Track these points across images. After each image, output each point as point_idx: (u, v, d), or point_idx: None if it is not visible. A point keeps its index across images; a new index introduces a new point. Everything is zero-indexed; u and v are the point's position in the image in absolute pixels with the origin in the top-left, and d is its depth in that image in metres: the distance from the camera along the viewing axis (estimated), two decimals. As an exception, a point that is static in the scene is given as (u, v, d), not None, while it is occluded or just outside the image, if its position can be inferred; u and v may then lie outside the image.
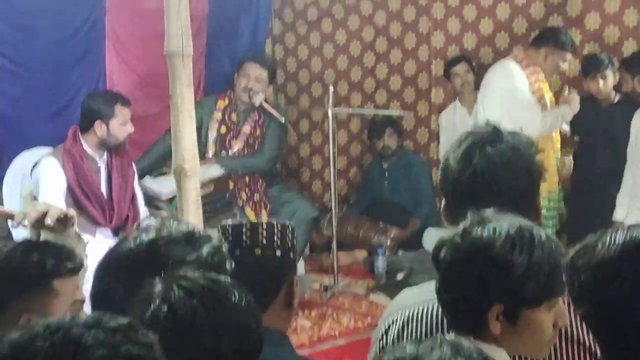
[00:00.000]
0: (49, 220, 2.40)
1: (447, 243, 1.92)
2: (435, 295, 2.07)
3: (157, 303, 1.72)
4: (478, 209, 1.97)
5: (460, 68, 7.09)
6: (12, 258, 2.29)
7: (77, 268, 2.40)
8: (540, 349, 1.94)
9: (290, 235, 2.46)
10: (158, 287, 1.76)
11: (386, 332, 2.32)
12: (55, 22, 6.30)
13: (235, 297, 1.78)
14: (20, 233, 5.39)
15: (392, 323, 2.31)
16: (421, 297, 2.29)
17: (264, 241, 2.40)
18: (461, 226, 1.92)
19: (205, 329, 1.71)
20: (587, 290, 1.73)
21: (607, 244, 1.72)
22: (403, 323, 2.26)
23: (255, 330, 1.81)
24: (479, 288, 1.83)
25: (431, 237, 6.93)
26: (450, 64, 7.21)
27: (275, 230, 2.42)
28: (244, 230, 2.40)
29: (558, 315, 1.90)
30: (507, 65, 6.18)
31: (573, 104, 6.20)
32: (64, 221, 2.60)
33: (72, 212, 2.55)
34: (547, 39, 6.28)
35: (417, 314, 2.24)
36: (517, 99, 6.04)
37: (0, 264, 2.30)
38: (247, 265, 2.31)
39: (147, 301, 1.74)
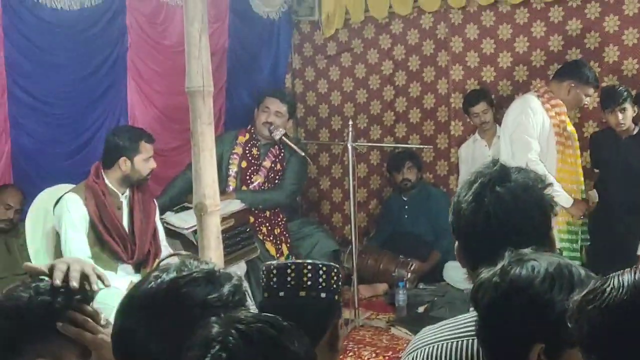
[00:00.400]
0: (74, 283, 2.36)
1: (486, 283, 1.88)
2: (454, 332, 2.08)
3: (216, 349, 1.67)
4: (494, 249, 1.97)
5: (479, 108, 7.10)
6: (23, 302, 2.29)
7: (88, 302, 2.41)
8: None
9: (335, 277, 2.40)
10: (215, 330, 1.72)
11: None
12: (77, 58, 6.35)
13: (295, 345, 1.74)
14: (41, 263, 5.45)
15: None
16: (441, 334, 2.28)
17: (309, 283, 2.34)
18: (499, 265, 1.89)
19: None
20: (600, 337, 1.64)
21: (617, 286, 1.63)
22: None
23: None
24: (519, 327, 1.81)
25: (452, 270, 6.96)
26: (468, 103, 7.22)
27: (320, 272, 2.37)
28: (288, 271, 2.36)
29: None
30: (527, 100, 6.17)
31: (577, 208, 6.20)
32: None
33: (100, 271, 2.48)
34: (571, 72, 6.28)
35: (438, 352, 2.25)
36: (518, 132, 6.09)
37: (10, 308, 2.29)
38: (292, 307, 2.29)
39: (204, 345, 1.69)
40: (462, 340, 2.19)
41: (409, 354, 2.34)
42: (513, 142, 6.12)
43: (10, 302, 2.26)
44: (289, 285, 2.35)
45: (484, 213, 2.19)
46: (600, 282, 1.63)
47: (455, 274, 6.91)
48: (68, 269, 2.31)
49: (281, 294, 2.33)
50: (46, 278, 2.39)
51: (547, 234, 2.23)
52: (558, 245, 5.33)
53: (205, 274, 2.02)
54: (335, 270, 2.41)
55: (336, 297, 2.41)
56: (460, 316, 2.30)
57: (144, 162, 5.47)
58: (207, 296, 1.96)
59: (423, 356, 2.27)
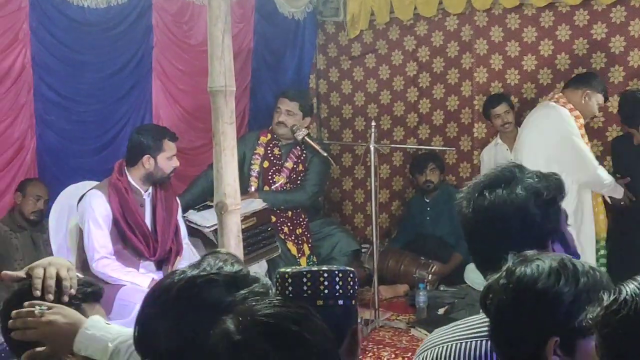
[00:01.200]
0: (50, 296, 2.38)
1: (493, 285, 1.92)
2: (465, 333, 2.11)
3: (238, 347, 1.67)
4: (493, 253, 2.02)
5: (500, 109, 7.10)
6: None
7: (100, 293, 2.45)
8: None
9: (351, 282, 2.38)
10: (232, 327, 1.70)
11: None
12: (103, 57, 6.40)
13: (316, 336, 1.74)
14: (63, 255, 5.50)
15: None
16: (452, 335, 2.32)
17: (326, 291, 2.32)
18: (504, 268, 1.93)
19: None
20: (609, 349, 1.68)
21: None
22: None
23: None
24: (532, 324, 1.84)
25: (472, 272, 6.96)
26: (489, 104, 7.22)
27: (337, 279, 2.35)
28: (304, 280, 2.34)
29: None
30: (561, 111, 6.10)
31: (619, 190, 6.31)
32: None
33: (73, 273, 2.43)
34: (586, 80, 6.30)
35: (448, 352, 2.27)
36: (576, 146, 6.03)
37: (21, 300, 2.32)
38: None
39: (224, 341, 1.69)
40: (472, 341, 2.23)
41: (420, 354, 2.37)
42: (566, 151, 6.02)
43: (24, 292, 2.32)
44: (305, 295, 2.32)
45: (469, 217, 2.26)
46: (618, 290, 1.65)
47: (476, 276, 6.90)
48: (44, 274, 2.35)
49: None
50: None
51: (543, 239, 2.23)
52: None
53: (225, 277, 2.01)
54: (352, 275, 2.39)
55: (353, 302, 2.40)
56: (470, 317, 2.34)
57: (167, 160, 5.51)
58: (219, 299, 1.97)
59: (433, 356, 2.32)
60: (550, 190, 2.28)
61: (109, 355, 2.22)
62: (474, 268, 6.87)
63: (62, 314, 2.30)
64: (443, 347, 2.31)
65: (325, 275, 2.31)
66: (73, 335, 2.26)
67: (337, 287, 2.31)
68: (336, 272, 2.33)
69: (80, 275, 2.50)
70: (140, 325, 2.02)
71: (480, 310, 2.22)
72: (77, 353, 2.23)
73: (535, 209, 2.25)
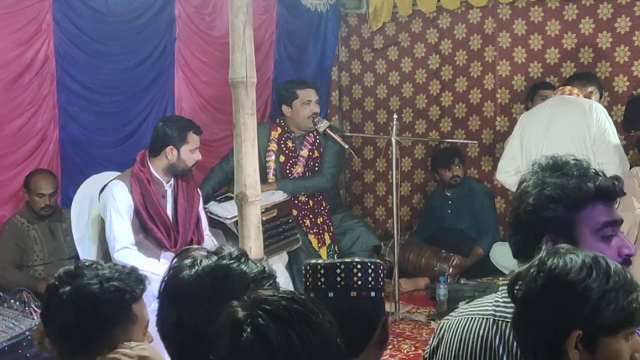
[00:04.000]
0: None
1: (523, 273, 1.92)
2: (474, 310, 2.24)
3: (247, 332, 1.68)
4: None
5: (549, 94, 7.04)
6: (94, 290, 2.34)
7: (145, 289, 2.46)
8: None
9: (382, 275, 2.39)
10: (241, 313, 1.71)
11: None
12: (126, 48, 6.43)
13: (321, 318, 1.75)
14: (85, 250, 5.54)
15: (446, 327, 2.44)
16: (464, 310, 2.42)
17: (359, 282, 2.32)
18: (536, 258, 1.93)
19: (301, 353, 1.68)
20: None
21: None
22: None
23: (340, 345, 1.78)
24: (557, 315, 1.84)
25: (499, 253, 6.99)
26: (540, 86, 7.19)
27: (370, 271, 2.35)
28: (337, 271, 2.33)
29: (635, 348, 1.88)
30: (596, 106, 6.10)
31: None
32: None
33: None
34: (594, 79, 6.45)
35: (455, 324, 2.39)
36: (615, 140, 6.00)
37: (87, 295, 2.34)
38: (342, 308, 2.25)
39: (234, 330, 1.70)
40: (478, 318, 2.31)
41: (439, 325, 2.50)
42: (616, 148, 6.02)
43: (83, 292, 2.32)
44: (339, 286, 2.31)
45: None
46: None
47: (501, 258, 6.98)
48: None
49: (330, 294, 2.29)
50: (103, 264, 2.47)
51: (569, 230, 2.23)
52: None
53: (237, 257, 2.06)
54: (382, 267, 2.40)
55: (382, 294, 2.41)
56: (486, 297, 2.40)
57: (190, 152, 5.52)
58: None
59: (445, 326, 2.43)
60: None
61: None
62: (500, 249, 6.98)
63: (149, 350, 2.34)
64: (455, 319, 2.40)
65: (359, 266, 2.31)
66: None
67: (370, 278, 2.32)
68: (368, 264, 2.33)
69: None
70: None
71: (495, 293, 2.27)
72: None
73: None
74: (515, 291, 1.94)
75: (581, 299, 1.82)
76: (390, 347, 5.88)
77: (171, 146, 5.48)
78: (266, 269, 2.10)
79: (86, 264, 2.44)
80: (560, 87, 6.38)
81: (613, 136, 5.96)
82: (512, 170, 6.12)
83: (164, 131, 5.54)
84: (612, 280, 1.84)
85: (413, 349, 5.88)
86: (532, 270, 1.90)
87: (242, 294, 1.80)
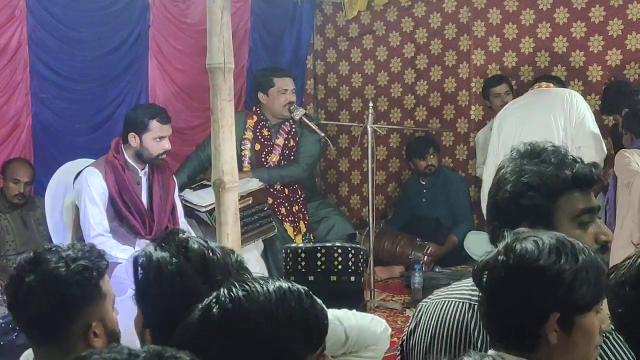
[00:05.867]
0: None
1: (492, 262, 1.92)
2: (452, 293, 2.27)
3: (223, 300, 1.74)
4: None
5: (501, 89, 7.10)
6: (62, 273, 2.31)
7: (107, 263, 2.45)
8: (590, 356, 1.94)
9: (362, 259, 2.40)
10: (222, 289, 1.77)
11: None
12: (100, 35, 6.41)
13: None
14: (59, 237, 5.50)
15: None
16: (442, 293, 2.43)
17: (340, 267, 2.32)
18: (500, 245, 1.93)
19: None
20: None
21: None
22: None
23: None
24: (532, 301, 1.85)
25: (473, 242, 7.04)
26: (489, 84, 7.22)
27: (350, 255, 2.35)
28: (318, 255, 2.32)
29: (602, 320, 1.92)
30: (575, 93, 6.28)
31: None
32: None
33: None
34: (562, 82, 6.73)
35: (433, 307, 2.39)
36: (594, 126, 6.16)
37: (56, 280, 2.31)
38: (323, 291, 2.24)
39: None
40: (455, 302, 2.33)
41: (417, 307, 2.51)
42: (594, 135, 6.14)
43: (51, 277, 2.30)
44: (319, 270, 2.32)
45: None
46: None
47: (475, 247, 7.02)
48: None
49: (310, 278, 2.31)
50: (62, 246, 2.44)
51: (547, 217, 2.24)
52: None
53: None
54: (362, 252, 2.41)
55: (362, 279, 2.41)
56: (464, 281, 2.42)
57: (153, 140, 5.46)
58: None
59: (423, 309, 2.44)
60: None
61: None
62: (474, 237, 7.00)
63: None
64: (433, 302, 2.42)
65: (340, 251, 2.32)
66: None
67: (350, 263, 2.34)
68: (349, 249, 2.35)
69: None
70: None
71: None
72: None
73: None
74: (482, 280, 1.94)
75: (556, 282, 1.84)
76: (365, 335, 5.88)
77: (133, 133, 5.45)
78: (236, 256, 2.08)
79: (45, 248, 2.42)
80: (537, 83, 6.51)
81: (592, 123, 6.09)
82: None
83: (128, 117, 5.57)
84: (580, 259, 1.86)
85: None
86: (500, 257, 1.90)
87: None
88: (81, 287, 2.31)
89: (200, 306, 1.75)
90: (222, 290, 1.75)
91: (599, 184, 2.33)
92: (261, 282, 1.77)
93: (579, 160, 2.27)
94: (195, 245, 2.09)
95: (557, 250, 1.86)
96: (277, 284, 1.77)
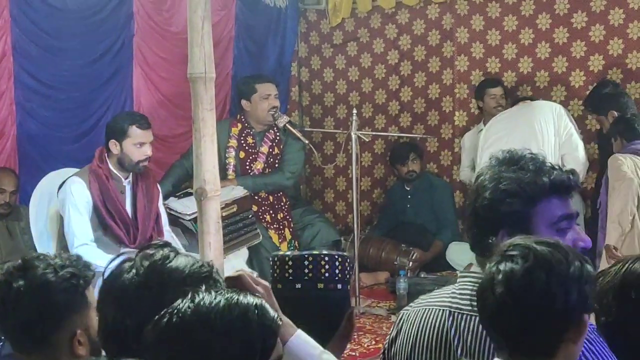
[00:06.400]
0: None
1: (486, 285, 1.90)
2: (432, 300, 2.27)
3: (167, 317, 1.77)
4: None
5: (497, 91, 7.13)
6: (51, 279, 2.33)
7: (94, 273, 2.46)
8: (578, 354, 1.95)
9: (348, 267, 2.40)
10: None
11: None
12: (84, 43, 6.40)
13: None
14: (44, 246, 5.50)
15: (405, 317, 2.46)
16: (423, 301, 2.44)
17: (327, 274, 2.33)
18: (499, 256, 1.90)
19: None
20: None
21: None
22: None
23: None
24: (561, 305, 1.83)
25: (455, 252, 7.07)
26: (486, 84, 7.26)
27: (337, 263, 2.36)
28: (305, 263, 2.34)
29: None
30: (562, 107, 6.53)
31: None
32: None
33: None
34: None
35: (414, 315, 2.41)
36: (579, 139, 6.37)
37: (45, 286, 2.32)
38: (309, 299, 2.32)
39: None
40: (435, 309, 2.34)
41: (398, 316, 2.53)
42: (580, 145, 6.34)
43: (39, 283, 2.31)
44: (306, 278, 2.32)
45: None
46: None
47: (457, 257, 7.04)
48: None
49: (298, 286, 2.31)
50: (49, 254, 2.46)
51: (525, 224, 2.24)
52: None
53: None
54: (348, 260, 2.41)
55: (348, 287, 2.43)
56: (444, 288, 2.43)
57: (133, 147, 5.48)
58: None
59: (404, 317, 2.45)
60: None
61: None
62: (456, 248, 7.04)
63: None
64: (413, 310, 2.43)
65: (327, 259, 2.33)
66: None
67: (337, 271, 2.34)
68: (336, 257, 2.36)
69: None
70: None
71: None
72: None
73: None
74: (491, 296, 1.89)
75: (583, 285, 1.84)
76: (350, 341, 5.90)
77: (114, 140, 5.47)
78: (204, 267, 2.09)
79: (34, 256, 2.44)
80: (521, 101, 6.80)
81: (578, 134, 6.33)
82: None
83: (108, 126, 5.60)
84: (587, 263, 1.88)
85: (374, 342, 5.90)
86: (513, 266, 1.86)
87: (178, 289, 1.86)
88: (69, 294, 2.33)
89: (156, 317, 1.79)
90: (178, 301, 1.79)
91: (576, 191, 2.35)
92: (214, 294, 1.80)
93: (557, 167, 2.28)
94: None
95: (567, 254, 1.87)
96: (229, 295, 1.79)
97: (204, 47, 3.74)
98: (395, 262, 7.34)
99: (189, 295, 1.79)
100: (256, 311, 1.79)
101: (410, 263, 7.32)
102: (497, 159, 2.32)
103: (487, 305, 1.90)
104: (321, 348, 2.19)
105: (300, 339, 2.18)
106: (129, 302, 2.00)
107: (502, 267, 1.87)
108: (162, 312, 1.78)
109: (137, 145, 5.49)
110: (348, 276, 2.39)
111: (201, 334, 1.73)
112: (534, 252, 1.85)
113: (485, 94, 7.22)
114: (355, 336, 5.98)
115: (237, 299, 1.79)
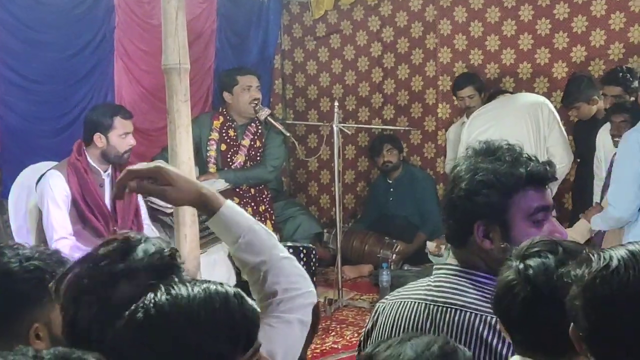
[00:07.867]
0: None
1: (528, 271, 1.83)
2: (408, 293, 2.28)
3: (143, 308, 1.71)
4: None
5: (464, 92, 7.08)
6: (14, 271, 2.31)
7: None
8: None
9: (314, 259, 2.39)
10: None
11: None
12: (64, 36, 6.37)
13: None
14: (23, 240, 5.47)
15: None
16: (398, 294, 2.44)
17: None
18: (518, 257, 1.86)
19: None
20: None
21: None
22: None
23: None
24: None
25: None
26: (456, 86, 7.23)
27: (301, 255, 2.35)
28: None
29: None
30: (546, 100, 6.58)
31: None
32: None
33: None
34: None
35: (389, 308, 2.40)
36: (563, 131, 6.45)
37: (6, 274, 2.30)
38: None
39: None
40: (411, 302, 2.34)
41: (375, 308, 2.51)
42: (564, 137, 6.44)
43: (2, 269, 2.31)
44: None
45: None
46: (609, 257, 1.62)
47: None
48: None
49: None
50: (25, 245, 2.44)
51: (501, 215, 2.24)
52: None
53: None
54: (314, 252, 2.42)
55: (314, 278, 2.41)
56: (420, 280, 2.44)
57: (119, 138, 5.47)
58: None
59: (379, 310, 2.46)
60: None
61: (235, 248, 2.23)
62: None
63: None
64: (389, 302, 2.43)
65: (291, 250, 2.31)
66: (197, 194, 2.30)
67: (301, 263, 2.32)
68: (301, 248, 2.36)
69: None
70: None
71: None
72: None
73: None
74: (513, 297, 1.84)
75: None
76: (333, 333, 5.91)
77: (99, 133, 5.44)
78: (165, 252, 2.03)
79: (8, 244, 2.42)
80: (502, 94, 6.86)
81: (561, 126, 6.39)
82: None
83: (90, 118, 5.53)
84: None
85: (356, 335, 5.87)
86: (543, 259, 1.82)
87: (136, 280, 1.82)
88: (29, 284, 2.31)
89: (127, 312, 1.74)
90: (149, 294, 1.75)
91: (553, 182, 2.34)
92: (189, 285, 1.76)
93: (533, 158, 2.28)
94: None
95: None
96: (205, 285, 1.75)
97: (177, 37, 3.74)
98: (379, 255, 7.34)
99: (161, 289, 1.74)
100: (236, 300, 1.76)
101: (394, 255, 7.34)
102: (474, 149, 2.32)
103: (516, 303, 1.83)
104: (253, 219, 2.19)
105: (232, 208, 2.24)
106: (85, 297, 1.98)
107: (531, 262, 1.83)
108: (133, 307, 1.74)
109: (122, 135, 5.48)
110: (314, 268, 2.39)
111: (187, 328, 1.67)
112: (561, 245, 1.84)
113: (457, 95, 7.21)
114: (338, 328, 6.00)
115: (214, 288, 1.74)
